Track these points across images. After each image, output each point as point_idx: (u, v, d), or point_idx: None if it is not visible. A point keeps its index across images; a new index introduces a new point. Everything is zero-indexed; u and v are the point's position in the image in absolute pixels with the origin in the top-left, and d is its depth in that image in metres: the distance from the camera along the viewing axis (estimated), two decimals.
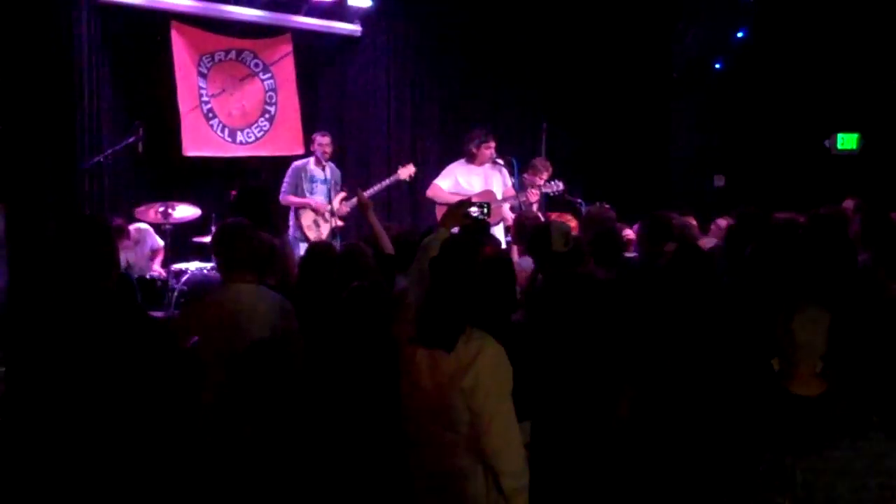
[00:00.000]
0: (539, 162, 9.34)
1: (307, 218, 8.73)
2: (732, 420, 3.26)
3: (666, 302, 4.59)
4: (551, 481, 3.96)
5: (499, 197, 8.75)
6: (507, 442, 3.33)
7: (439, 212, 8.80)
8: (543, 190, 8.88)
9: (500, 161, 8.77)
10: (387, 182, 9.05)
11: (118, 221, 7.95)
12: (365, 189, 8.58)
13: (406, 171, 9.07)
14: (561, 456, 4.20)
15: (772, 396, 3.21)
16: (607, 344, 4.35)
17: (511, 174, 8.78)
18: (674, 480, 4.00)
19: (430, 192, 9.03)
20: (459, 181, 8.82)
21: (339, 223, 8.74)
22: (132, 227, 8.15)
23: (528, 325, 4.50)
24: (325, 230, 8.71)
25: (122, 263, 7.90)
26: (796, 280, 4.57)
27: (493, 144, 8.81)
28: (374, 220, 5.48)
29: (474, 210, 4.21)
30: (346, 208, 8.73)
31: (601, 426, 4.28)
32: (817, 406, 3.15)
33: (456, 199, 8.50)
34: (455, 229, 4.12)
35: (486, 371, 3.31)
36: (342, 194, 8.77)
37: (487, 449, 3.30)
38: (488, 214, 4.39)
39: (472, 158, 8.86)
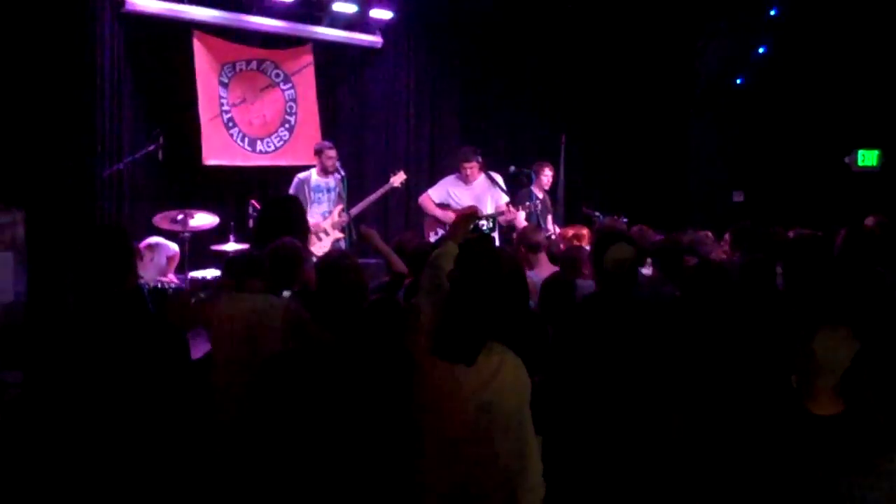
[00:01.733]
0: (537, 164, 9.46)
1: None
2: (751, 438, 3.23)
3: (684, 321, 4.57)
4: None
5: (486, 212, 8.81)
6: (527, 457, 3.31)
7: (426, 222, 9.12)
8: (526, 208, 8.92)
9: (494, 175, 8.84)
10: (381, 191, 9.16)
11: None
12: (359, 202, 8.81)
13: (398, 179, 9.24)
14: (587, 475, 4.18)
15: (790, 415, 3.18)
16: (653, 366, 4.31)
17: (529, 184, 8.88)
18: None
19: (420, 200, 9.23)
20: (450, 193, 9.02)
21: (340, 235, 8.79)
22: (144, 244, 8.14)
23: (561, 340, 4.45)
24: (326, 243, 8.76)
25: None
26: (819, 297, 4.54)
27: (468, 165, 8.86)
28: (381, 247, 5.35)
29: (483, 223, 4.21)
30: (343, 222, 8.76)
31: (643, 448, 4.24)
32: (836, 426, 3.12)
33: (440, 213, 8.73)
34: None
35: (507, 385, 3.30)
36: (339, 206, 8.79)
37: (507, 463, 3.28)
38: (494, 228, 4.39)
39: (460, 175, 9.00)
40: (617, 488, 4.21)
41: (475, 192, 8.94)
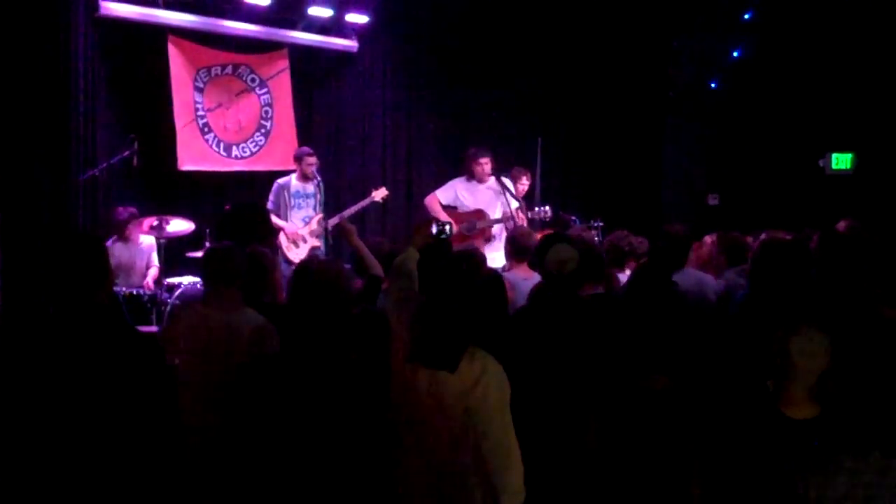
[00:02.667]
0: (515, 170, 9.44)
1: (285, 238, 8.78)
2: (726, 441, 3.25)
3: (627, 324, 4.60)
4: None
5: (495, 217, 8.79)
6: (510, 460, 3.35)
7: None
8: (531, 216, 8.92)
9: (505, 180, 8.80)
10: (362, 204, 9.20)
11: (132, 210, 8.15)
12: (339, 212, 8.79)
13: (379, 194, 9.28)
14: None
15: (765, 418, 3.20)
16: (581, 369, 4.32)
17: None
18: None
19: (426, 201, 9.16)
20: (458, 195, 8.93)
21: (317, 243, 8.79)
22: (144, 235, 8.17)
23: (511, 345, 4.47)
24: (304, 250, 8.76)
25: (116, 261, 7.98)
26: (794, 300, 4.57)
27: (484, 160, 8.85)
28: (359, 244, 5.31)
29: (434, 229, 4.36)
30: (320, 230, 8.76)
31: (570, 453, 4.25)
32: (811, 429, 3.14)
33: (443, 215, 8.67)
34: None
35: (490, 390, 3.35)
36: (319, 216, 8.79)
37: (490, 467, 3.30)
38: (450, 234, 4.51)
39: (470, 175, 8.92)
40: (582, 492, 4.24)
41: (485, 194, 8.91)
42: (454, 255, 4.46)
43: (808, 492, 2.93)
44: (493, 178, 8.86)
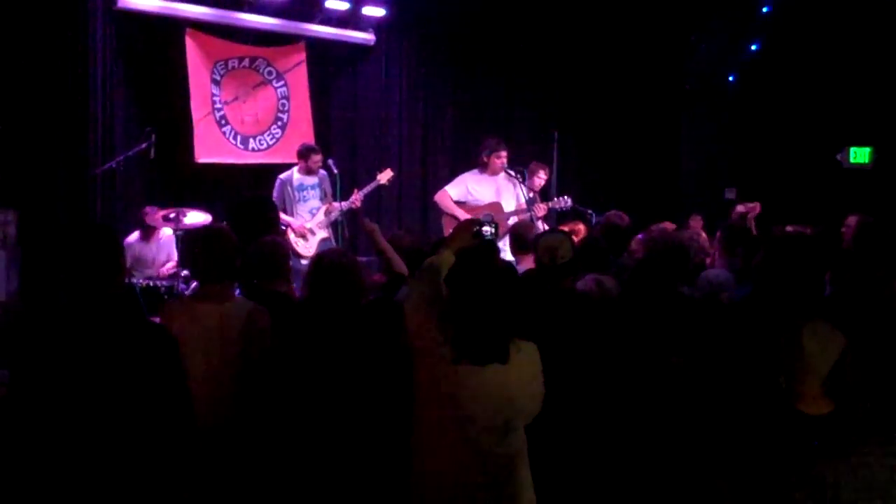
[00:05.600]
0: (533, 164, 9.35)
1: (293, 234, 8.79)
2: (739, 437, 3.24)
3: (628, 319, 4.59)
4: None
5: (509, 209, 8.73)
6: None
7: (444, 220, 8.87)
8: (551, 206, 8.85)
9: (514, 173, 8.73)
10: (368, 188, 9.13)
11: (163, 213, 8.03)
12: (347, 197, 8.75)
13: (384, 176, 9.21)
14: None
15: (779, 415, 3.19)
16: (578, 362, 4.31)
17: (521, 183, 8.79)
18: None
19: (437, 197, 9.02)
20: (469, 190, 8.79)
21: (326, 234, 8.79)
22: (163, 230, 8.21)
23: None
24: (313, 243, 8.76)
25: (137, 255, 8.15)
26: (806, 295, 4.55)
27: (504, 154, 8.74)
28: (383, 244, 5.15)
29: (486, 229, 4.05)
30: (330, 220, 8.77)
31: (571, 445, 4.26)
32: (826, 425, 3.13)
33: (459, 211, 8.60)
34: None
35: (538, 371, 3.49)
36: (324, 207, 8.79)
37: (516, 453, 3.47)
38: (496, 235, 4.27)
39: (483, 168, 8.81)
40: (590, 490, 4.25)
41: (497, 187, 8.82)
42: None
43: (834, 483, 2.92)
44: (503, 173, 8.80)
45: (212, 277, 4.23)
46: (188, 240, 4.49)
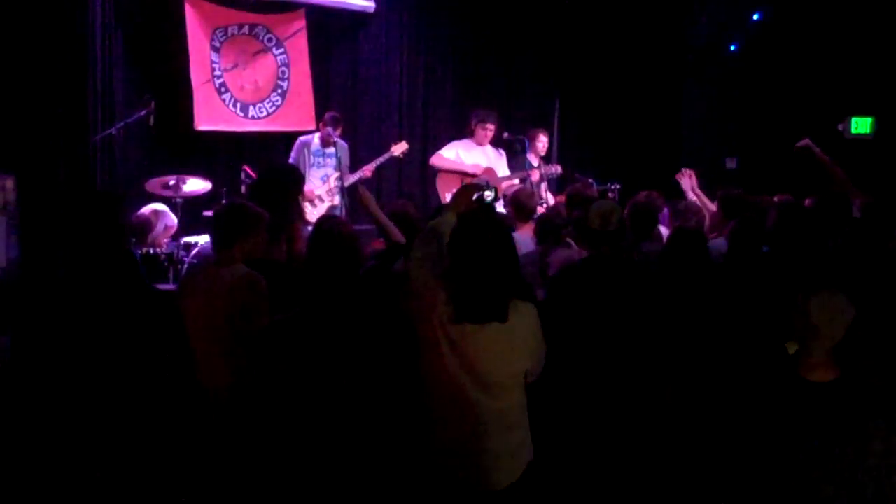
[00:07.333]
0: (531, 130, 9.53)
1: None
2: (746, 408, 3.24)
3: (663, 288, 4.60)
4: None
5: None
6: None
7: (440, 182, 9.06)
8: (542, 172, 8.92)
9: (501, 149, 8.94)
10: (381, 159, 9.15)
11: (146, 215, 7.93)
12: (357, 169, 8.83)
13: (399, 148, 9.21)
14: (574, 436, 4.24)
15: (785, 382, 3.19)
16: (638, 330, 4.34)
17: (523, 151, 8.88)
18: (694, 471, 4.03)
19: (432, 161, 9.24)
20: (460, 156, 8.97)
21: (336, 202, 8.79)
22: (149, 209, 8.12)
23: (552, 304, 4.45)
24: (321, 209, 8.78)
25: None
26: (814, 263, 4.55)
27: (490, 126, 8.92)
28: (377, 213, 5.18)
29: (487, 194, 4.26)
30: (336, 188, 8.78)
31: (624, 413, 4.30)
32: (831, 392, 3.13)
33: (457, 166, 8.70)
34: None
35: (536, 328, 3.60)
36: (336, 173, 8.78)
37: (517, 414, 3.61)
38: (495, 199, 4.41)
39: (471, 136, 9.05)
40: (607, 459, 4.27)
41: (486, 158, 8.95)
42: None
43: (845, 458, 2.94)
44: (489, 147, 8.94)
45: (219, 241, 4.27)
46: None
